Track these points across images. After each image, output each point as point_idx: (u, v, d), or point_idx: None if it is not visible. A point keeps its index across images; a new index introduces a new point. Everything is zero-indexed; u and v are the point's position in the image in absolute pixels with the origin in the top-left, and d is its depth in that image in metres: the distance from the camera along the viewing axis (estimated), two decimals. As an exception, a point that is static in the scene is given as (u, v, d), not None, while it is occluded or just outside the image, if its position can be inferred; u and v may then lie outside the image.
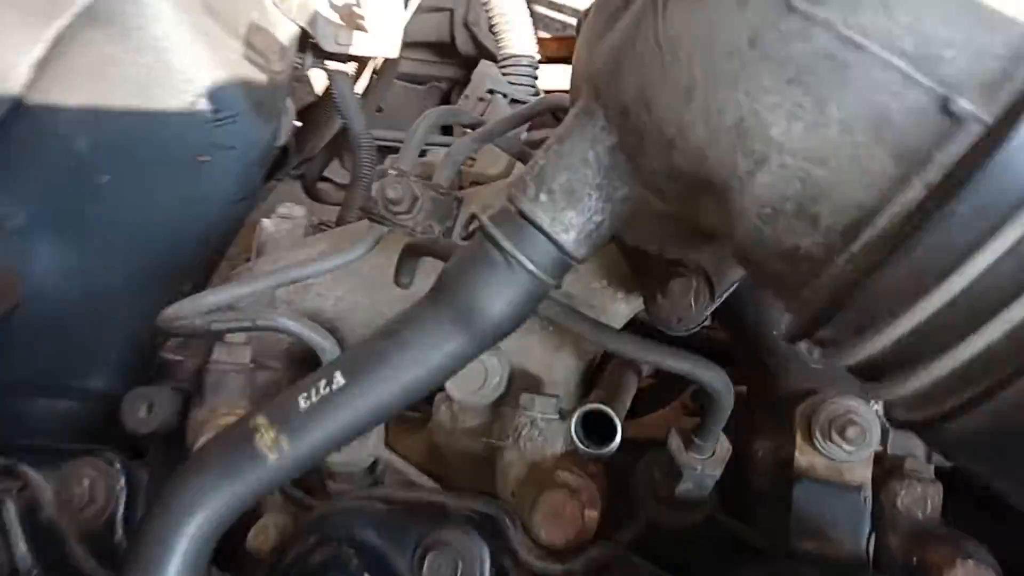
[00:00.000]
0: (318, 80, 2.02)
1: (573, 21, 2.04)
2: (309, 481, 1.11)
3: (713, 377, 0.78)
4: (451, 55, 2.32)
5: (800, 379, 0.99)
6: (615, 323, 1.05)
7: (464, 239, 0.79)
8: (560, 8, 2.12)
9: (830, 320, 0.54)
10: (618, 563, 0.86)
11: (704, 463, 0.87)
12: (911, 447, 0.90)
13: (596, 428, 0.86)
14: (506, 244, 0.67)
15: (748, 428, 1.05)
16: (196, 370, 1.12)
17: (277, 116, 1.55)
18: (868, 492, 0.88)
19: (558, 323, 0.80)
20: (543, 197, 0.66)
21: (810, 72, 0.50)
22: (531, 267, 0.66)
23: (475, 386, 0.99)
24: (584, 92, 0.67)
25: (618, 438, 0.78)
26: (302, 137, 1.98)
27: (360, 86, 1.93)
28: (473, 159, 1.36)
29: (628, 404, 1.02)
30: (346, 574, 0.81)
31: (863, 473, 0.88)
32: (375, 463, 1.08)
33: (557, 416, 1.00)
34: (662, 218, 0.73)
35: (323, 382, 0.69)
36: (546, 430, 0.99)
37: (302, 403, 0.69)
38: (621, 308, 1.05)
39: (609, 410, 0.79)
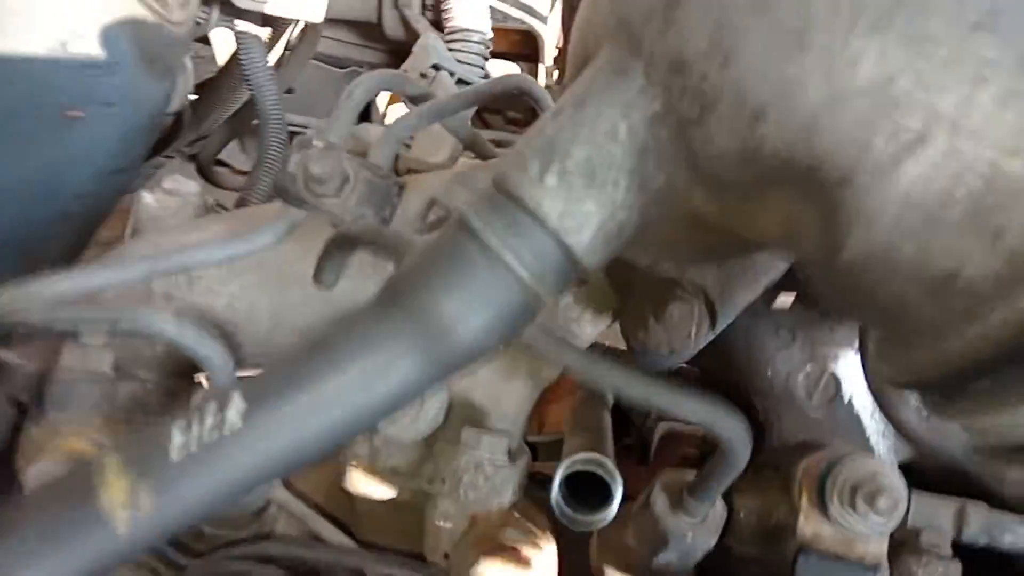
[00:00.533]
0: (223, 43, 1.77)
1: (516, 12, 1.86)
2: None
3: (733, 428, 0.60)
4: (377, 38, 2.10)
5: (796, 429, 0.83)
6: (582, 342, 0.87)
7: (425, 231, 0.59)
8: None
9: (977, 380, 0.37)
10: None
11: (695, 529, 0.70)
12: (929, 516, 0.75)
13: (574, 487, 0.67)
14: (492, 241, 0.47)
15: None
16: (38, 376, 0.87)
17: (171, 75, 1.29)
18: (886, 571, 0.73)
19: (535, 351, 0.61)
20: (551, 180, 0.47)
21: (1014, 14, 0.34)
22: (524, 274, 0.47)
23: (407, 416, 0.79)
24: (612, 43, 0.49)
25: (615, 502, 0.59)
26: (200, 109, 1.72)
27: (272, 59, 1.70)
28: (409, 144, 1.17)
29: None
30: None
31: (879, 547, 0.73)
32: (266, 505, 0.85)
33: (507, 461, 0.81)
34: (681, 222, 0.56)
35: (212, 413, 0.47)
36: (494, 477, 0.79)
37: (176, 443, 0.47)
38: (586, 330, 0.86)
39: (605, 466, 0.61)
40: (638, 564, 0.75)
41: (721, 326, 0.75)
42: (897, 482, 0.70)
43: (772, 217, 0.47)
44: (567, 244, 0.47)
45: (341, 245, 0.70)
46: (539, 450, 1.11)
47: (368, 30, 2.10)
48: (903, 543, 0.77)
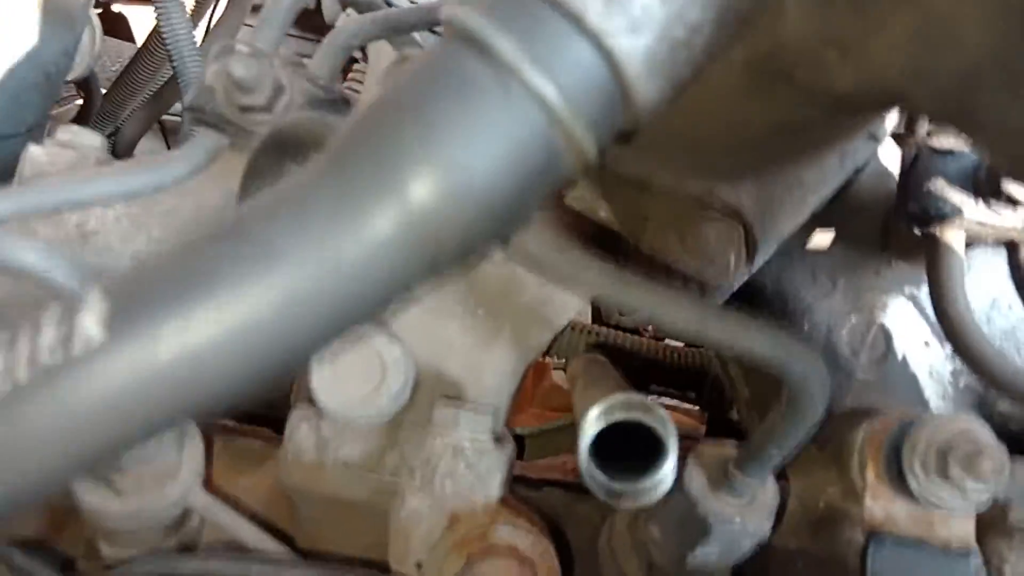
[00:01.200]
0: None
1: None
2: (72, 540, 0.69)
3: (807, 365, 0.45)
4: (319, 29, 1.93)
5: (842, 394, 0.69)
6: (568, 309, 0.71)
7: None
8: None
9: None
10: None
11: (743, 513, 0.54)
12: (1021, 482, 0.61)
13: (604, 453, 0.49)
14: (505, 49, 0.31)
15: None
16: None
17: (72, 29, 1.11)
18: (979, 559, 0.58)
19: (545, 268, 0.45)
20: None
21: None
22: (553, 97, 0.31)
23: (364, 389, 0.62)
24: None
25: (671, 459, 0.43)
26: (113, 91, 1.53)
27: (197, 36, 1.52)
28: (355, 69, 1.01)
29: None
30: None
31: (965, 528, 0.58)
32: (185, 515, 0.66)
33: (493, 442, 0.64)
34: (744, 82, 0.41)
35: (53, 323, 0.30)
36: (477, 463, 0.62)
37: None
38: (568, 297, 0.70)
39: (652, 410, 0.43)
40: (666, 563, 0.58)
41: (761, 258, 0.60)
42: (996, 440, 0.55)
43: (900, 24, 0.33)
44: (613, 54, 0.31)
45: (273, 150, 0.52)
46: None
47: (306, 17, 1.94)
48: (989, 523, 0.62)
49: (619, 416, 0.43)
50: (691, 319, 0.44)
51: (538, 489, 0.79)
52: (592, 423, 0.43)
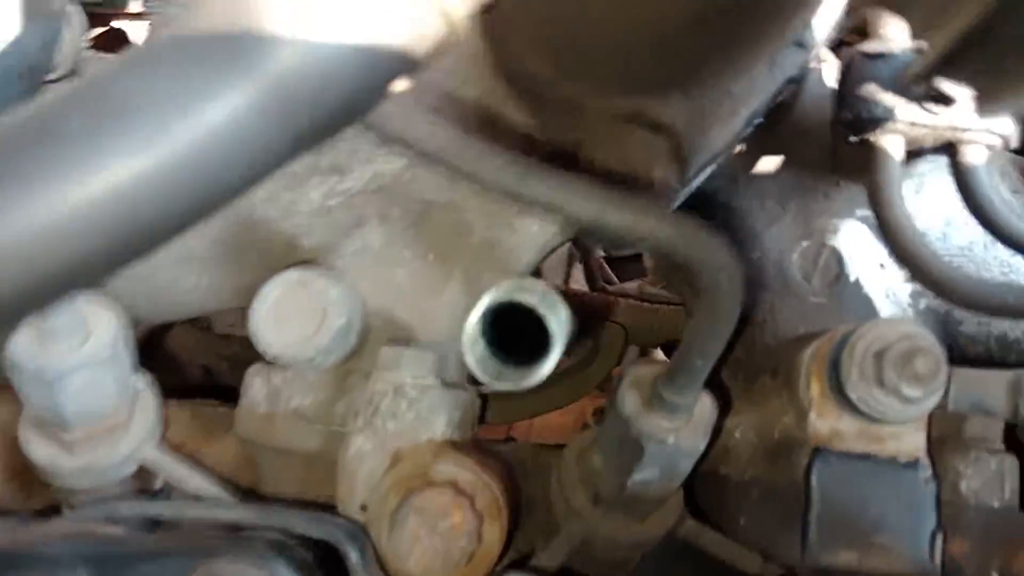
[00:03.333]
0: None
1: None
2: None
3: (717, 254, 0.44)
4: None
5: (795, 320, 0.67)
6: (522, 253, 0.70)
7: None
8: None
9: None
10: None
11: (678, 432, 0.53)
12: (975, 394, 0.59)
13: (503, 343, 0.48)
14: None
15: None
16: None
17: (52, 22, 1.13)
18: (928, 470, 0.56)
19: (444, 160, 0.44)
20: None
21: None
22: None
23: (305, 330, 0.62)
24: None
25: (556, 353, 0.42)
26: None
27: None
28: None
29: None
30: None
31: (916, 440, 0.57)
32: (147, 478, 0.67)
33: (437, 382, 0.64)
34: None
35: None
36: (419, 402, 0.62)
37: None
38: (532, 228, 0.69)
39: (543, 294, 0.42)
40: (611, 492, 0.57)
41: (694, 170, 0.59)
42: (934, 341, 0.54)
43: None
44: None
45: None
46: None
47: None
48: (943, 439, 0.61)
49: (508, 297, 0.42)
50: (592, 206, 0.44)
51: (505, 443, 0.78)
52: (480, 306, 0.43)
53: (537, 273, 1.10)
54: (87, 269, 0.31)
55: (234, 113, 0.30)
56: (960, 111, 0.57)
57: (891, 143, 0.58)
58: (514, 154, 0.45)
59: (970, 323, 0.68)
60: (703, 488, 0.68)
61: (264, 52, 0.30)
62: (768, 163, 0.69)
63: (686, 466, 0.55)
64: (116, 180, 0.29)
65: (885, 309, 0.66)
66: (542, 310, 0.41)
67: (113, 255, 0.31)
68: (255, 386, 0.69)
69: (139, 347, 1.02)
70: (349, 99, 0.33)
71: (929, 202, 0.68)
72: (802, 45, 0.58)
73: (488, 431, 0.92)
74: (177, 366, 1.08)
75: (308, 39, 0.31)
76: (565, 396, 0.93)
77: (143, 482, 0.69)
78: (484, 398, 0.74)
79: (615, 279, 1.21)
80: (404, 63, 0.33)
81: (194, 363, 1.09)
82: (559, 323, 0.41)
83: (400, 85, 0.39)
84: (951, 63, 0.53)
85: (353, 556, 0.52)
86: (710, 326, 0.47)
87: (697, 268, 0.45)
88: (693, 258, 0.44)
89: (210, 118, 0.30)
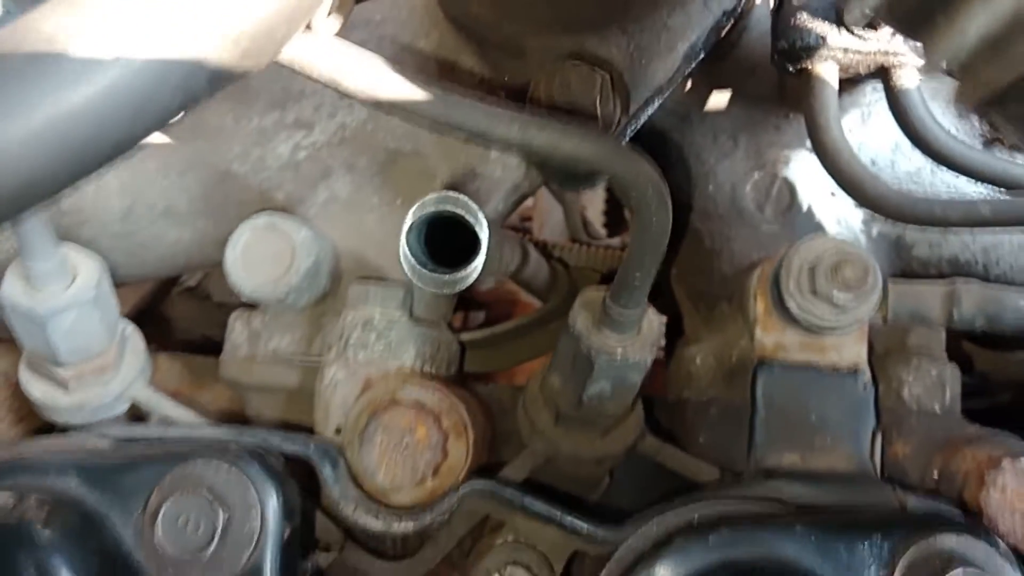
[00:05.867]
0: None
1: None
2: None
3: (639, 169, 0.47)
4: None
5: (749, 248, 0.70)
6: (488, 196, 0.73)
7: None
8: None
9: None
10: (497, 505, 0.53)
11: (626, 345, 0.56)
12: (912, 303, 0.62)
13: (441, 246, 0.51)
14: None
15: (675, 336, 0.76)
16: None
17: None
18: (867, 376, 0.59)
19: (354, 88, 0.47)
20: None
21: None
22: None
23: (276, 271, 0.65)
24: None
25: (481, 255, 0.45)
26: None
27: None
28: None
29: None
30: (30, 549, 0.45)
31: (856, 350, 0.60)
32: (135, 412, 0.71)
33: (405, 314, 0.68)
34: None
35: None
36: (387, 333, 0.66)
37: None
38: (495, 173, 0.72)
39: (466, 204, 0.46)
40: (569, 408, 0.61)
41: (637, 104, 0.62)
42: (864, 252, 0.56)
43: None
44: None
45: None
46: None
47: None
48: (888, 349, 0.63)
49: (436, 208, 0.45)
50: (515, 128, 0.47)
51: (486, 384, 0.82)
52: (411, 215, 0.46)
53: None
54: None
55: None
56: (891, 36, 0.59)
57: (825, 70, 0.61)
58: (448, 86, 0.49)
59: (921, 246, 0.70)
60: (666, 412, 0.72)
61: None
62: (719, 99, 0.72)
63: (635, 378, 0.58)
64: None
65: (837, 235, 0.69)
66: (467, 216, 0.44)
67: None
68: (236, 329, 0.73)
69: (140, 316, 1.06)
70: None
71: (876, 130, 0.70)
72: (737, -23, 0.61)
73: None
74: (179, 333, 1.13)
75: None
76: (545, 344, 0.96)
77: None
78: (463, 346, 0.77)
79: (601, 232, 1.24)
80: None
81: (194, 331, 1.13)
82: (481, 228, 0.44)
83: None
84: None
85: (325, 470, 0.56)
86: (643, 240, 0.50)
87: (625, 184, 0.48)
88: (619, 174, 0.47)
89: None
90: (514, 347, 0.98)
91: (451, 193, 0.46)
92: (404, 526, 0.56)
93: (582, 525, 0.56)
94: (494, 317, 1.32)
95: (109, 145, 0.37)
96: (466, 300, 1.31)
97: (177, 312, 1.16)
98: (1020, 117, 0.33)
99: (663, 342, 0.58)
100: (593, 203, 1.37)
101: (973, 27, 0.29)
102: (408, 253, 0.47)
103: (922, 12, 0.31)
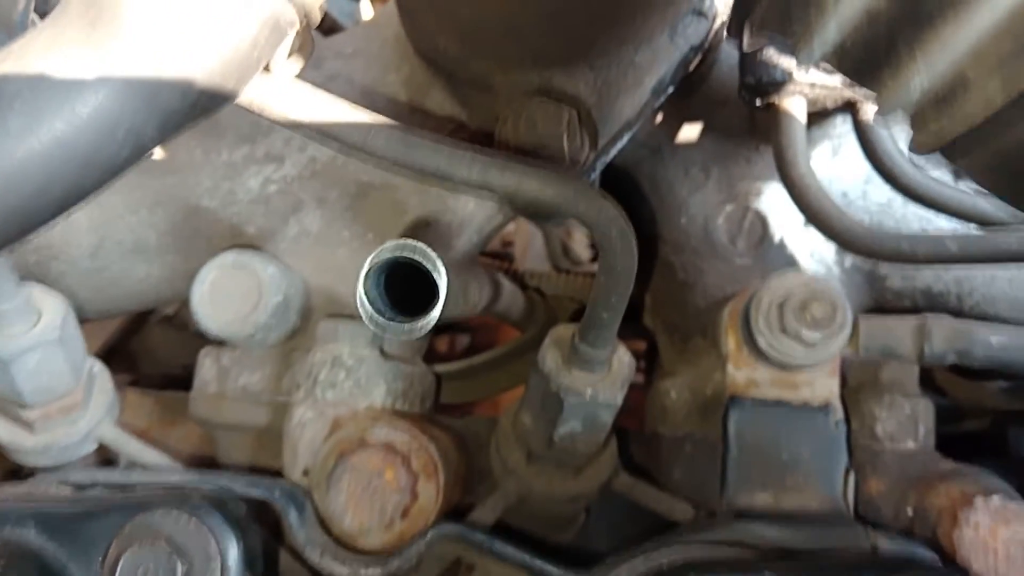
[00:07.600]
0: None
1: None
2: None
3: (602, 209, 0.47)
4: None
5: (722, 282, 0.70)
6: (460, 230, 0.72)
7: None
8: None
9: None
10: (467, 549, 0.52)
11: (595, 385, 0.56)
12: (883, 337, 0.61)
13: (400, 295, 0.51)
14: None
15: (649, 371, 0.76)
16: None
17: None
18: (839, 413, 0.59)
19: (296, 125, 0.47)
20: None
21: None
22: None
23: (243, 308, 0.65)
24: None
25: (439, 305, 0.45)
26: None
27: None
28: None
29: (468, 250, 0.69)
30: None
31: (828, 386, 0.59)
32: (103, 453, 0.70)
33: (376, 351, 0.67)
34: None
35: None
36: (356, 371, 0.65)
37: None
38: (467, 207, 0.72)
39: (424, 252, 0.46)
40: (540, 447, 0.60)
41: (606, 139, 0.61)
42: (834, 288, 0.56)
43: None
44: None
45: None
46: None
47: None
48: (860, 385, 0.63)
49: (392, 255, 0.45)
50: (475, 170, 0.47)
51: (463, 417, 0.81)
52: (369, 262, 0.46)
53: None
54: None
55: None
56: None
57: (793, 104, 0.61)
58: (408, 128, 0.48)
59: (895, 277, 0.70)
60: (641, 447, 0.71)
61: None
62: (690, 132, 0.72)
63: (606, 417, 0.57)
64: None
65: (810, 268, 0.69)
66: (425, 264, 0.44)
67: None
68: (206, 366, 0.72)
69: (110, 352, 1.05)
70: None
71: (847, 161, 0.70)
72: (702, 14, 0.61)
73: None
74: (157, 364, 1.12)
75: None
76: (524, 373, 0.96)
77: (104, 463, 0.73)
78: (438, 377, 0.76)
79: (583, 257, 1.23)
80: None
81: (173, 362, 1.12)
82: (440, 276, 0.44)
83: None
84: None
85: (291, 516, 0.55)
86: (609, 280, 0.49)
87: (589, 226, 0.48)
88: (582, 216, 0.47)
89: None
90: (492, 377, 0.97)
91: (409, 241, 0.45)
92: (371, 572, 0.55)
93: (552, 570, 0.55)
94: (480, 341, 1.31)
95: (56, 199, 0.36)
96: (451, 325, 1.31)
97: (155, 342, 1.15)
98: (973, 167, 0.32)
99: (633, 379, 0.58)
100: (576, 226, 1.37)
101: (917, 82, 0.29)
102: (365, 300, 0.46)
103: (869, 64, 0.30)
